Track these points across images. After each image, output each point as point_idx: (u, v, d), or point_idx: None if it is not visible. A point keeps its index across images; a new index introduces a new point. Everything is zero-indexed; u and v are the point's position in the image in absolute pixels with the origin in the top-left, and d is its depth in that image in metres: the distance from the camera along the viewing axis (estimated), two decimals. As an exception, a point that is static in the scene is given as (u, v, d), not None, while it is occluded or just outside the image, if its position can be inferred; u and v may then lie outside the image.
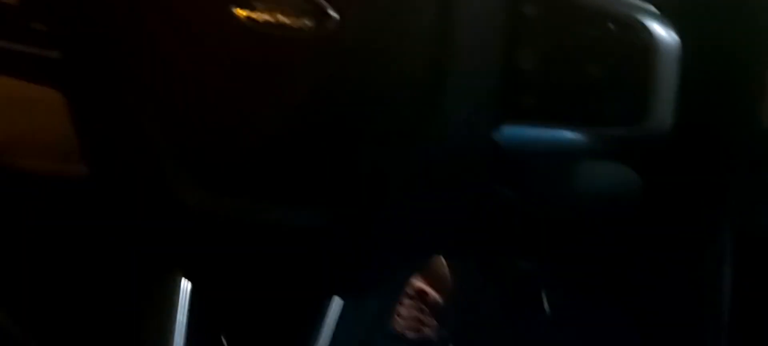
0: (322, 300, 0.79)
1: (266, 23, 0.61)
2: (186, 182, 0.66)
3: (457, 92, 0.62)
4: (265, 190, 0.66)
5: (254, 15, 0.62)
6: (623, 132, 0.60)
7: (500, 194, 0.69)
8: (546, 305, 1.02)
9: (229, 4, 0.62)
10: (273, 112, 0.64)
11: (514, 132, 0.63)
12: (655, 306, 0.85)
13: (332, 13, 0.61)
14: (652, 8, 0.61)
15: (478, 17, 0.62)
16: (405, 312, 1.03)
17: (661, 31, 0.59)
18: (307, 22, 0.61)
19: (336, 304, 0.79)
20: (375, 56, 0.62)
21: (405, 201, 0.66)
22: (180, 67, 0.64)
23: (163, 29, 0.63)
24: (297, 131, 0.64)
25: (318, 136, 0.64)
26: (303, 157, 0.64)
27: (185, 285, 0.78)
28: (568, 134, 0.62)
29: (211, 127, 0.64)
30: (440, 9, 0.61)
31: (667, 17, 0.60)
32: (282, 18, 0.61)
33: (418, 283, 1.04)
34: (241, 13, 0.62)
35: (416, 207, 0.67)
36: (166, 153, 0.66)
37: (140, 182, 0.68)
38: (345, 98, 0.63)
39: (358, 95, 0.63)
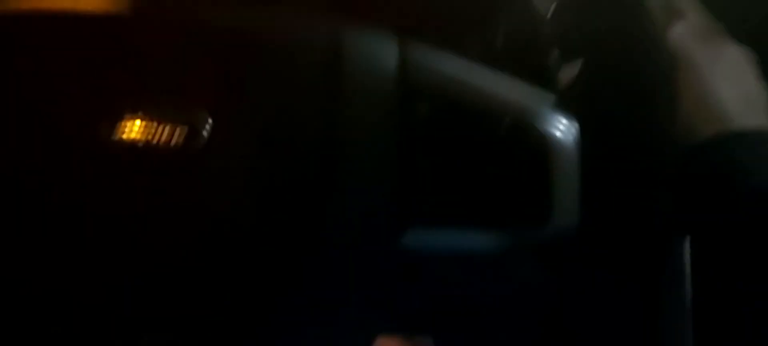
0: None
1: (133, 142, 0.56)
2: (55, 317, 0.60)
3: (350, 200, 0.58)
4: (142, 323, 0.60)
5: (121, 134, 0.57)
6: (525, 235, 0.56)
7: (410, 296, 0.65)
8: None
9: (93, 123, 0.57)
10: (144, 235, 0.58)
11: (416, 236, 0.59)
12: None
13: (203, 130, 0.56)
14: (549, 101, 0.57)
15: (368, 121, 0.57)
16: None
17: (556, 126, 0.56)
18: (176, 139, 0.56)
19: None
20: (253, 173, 0.57)
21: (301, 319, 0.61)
22: (40, 195, 0.59)
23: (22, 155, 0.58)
24: (170, 255, 0.58)
25: (194, 258, 0.58)
26: (180, 283, 0.59)
27: None
28: (473, 236, 0.58)
29: (75, 257, 0.59)
30: (326, 117, 0.57)
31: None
32: (150, 135, 0.56)
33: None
34: (108, 132, 0.57)
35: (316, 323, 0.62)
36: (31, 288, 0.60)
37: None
38: (223, 219, 0.58)
39: (238, 214, 0.58)
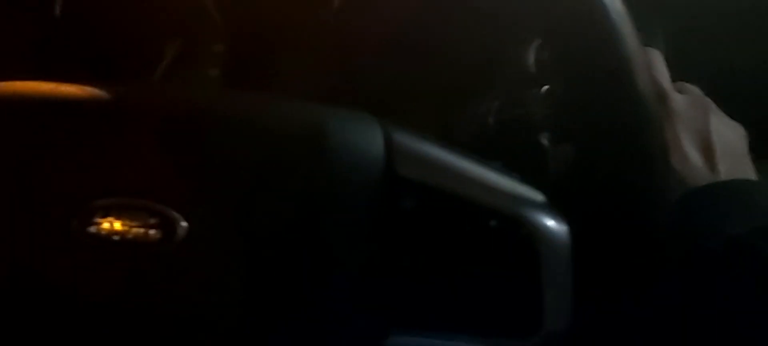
0: None
1: (107, 236, 0.54)
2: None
3: (333, 295, 0.56)
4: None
5: (95, 228, 0.54)
6: (514, 343, 0.53)
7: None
8: None
9: (67, 216, 0.54)
10: (121, 329, 0.56)
11: (400, 340, 0.56)
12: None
13: (181, 222, 0.54)
14: (539, 198, 0.55)
15: (353, 213, 0.55)
16: None
17: (549, 226, 0.53)
18: (153, 233, 0.54)
19: None
20: (232, 266, 0.55)
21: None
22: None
23: None
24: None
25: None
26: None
27: None
28: (458, 343, 0.55)
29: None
30: (309, 207, 0.55)
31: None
32: (125, 229, 0.54)
33: None
34: (80, 225, 0.54)
35: None
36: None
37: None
38: (201, 313, 0.55)
39: (216, 308, 0.56)
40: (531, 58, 0.77)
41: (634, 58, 0.58)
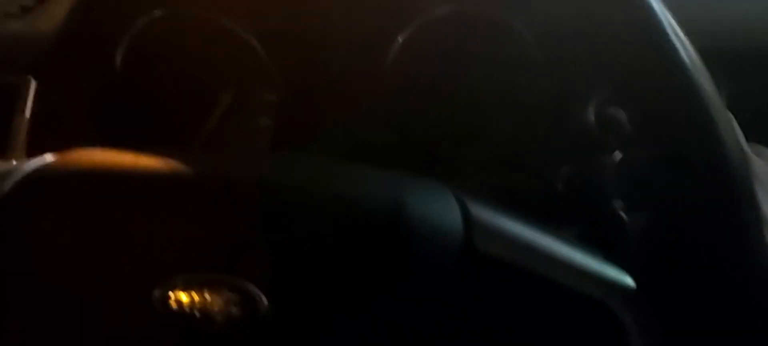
0: None
1: (188, 310, 0.54)
2: None
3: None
4: None
5: (175, 301, 0.54)
6: None
7: None
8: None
9: (148, 288, 0.54)
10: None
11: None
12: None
13: (262, 299, 0.53)
14: (627, 283, 0.54)
15: (432, 290, 0.54)
16: None
17: (638, 312, 0.52)
18: (234, 310, 0.54)
19: None
20: (310, 342, 0.55)
21: None
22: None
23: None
24: None
25: None
26: None
27: None
28: None
29: None
30: (386, 286, 0.54)
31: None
32: (205, 305, 0.54)
33: None
34: (161, 298, 0.54)
35: None
36: None
37: None
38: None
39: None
40: (592, 116, 0.76)
41: (720, 123, 0.57)
